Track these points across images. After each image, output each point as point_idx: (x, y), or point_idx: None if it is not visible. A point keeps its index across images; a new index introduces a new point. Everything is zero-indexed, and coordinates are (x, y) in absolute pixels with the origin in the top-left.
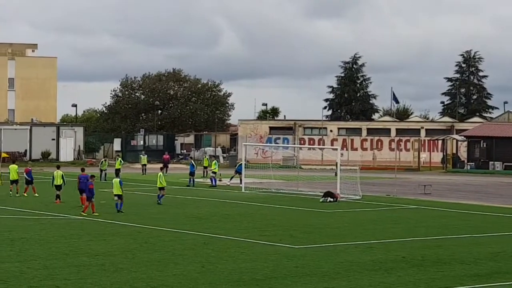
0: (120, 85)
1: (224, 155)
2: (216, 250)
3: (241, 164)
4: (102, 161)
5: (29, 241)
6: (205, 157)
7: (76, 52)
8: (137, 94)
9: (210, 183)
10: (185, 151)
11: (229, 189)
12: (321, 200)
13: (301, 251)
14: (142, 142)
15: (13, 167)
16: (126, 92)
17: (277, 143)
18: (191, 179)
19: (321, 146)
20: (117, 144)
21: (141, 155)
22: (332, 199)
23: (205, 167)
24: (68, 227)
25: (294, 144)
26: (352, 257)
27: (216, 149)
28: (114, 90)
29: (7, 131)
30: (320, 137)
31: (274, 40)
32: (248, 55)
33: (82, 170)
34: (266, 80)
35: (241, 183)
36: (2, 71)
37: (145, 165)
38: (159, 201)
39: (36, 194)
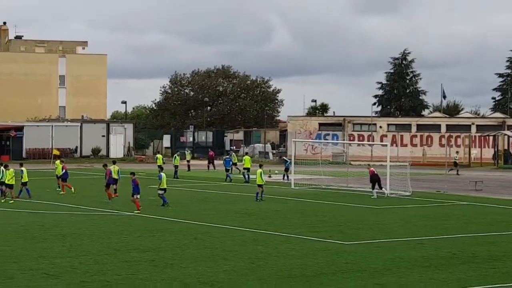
0: (169, 81)
1: (274, 151)
2: (266, 246)
3: (287, 161)
4: (175, 156)
5: (80, 236)
6: (232, 154)
7: (127, 49)
8: (186, 90)
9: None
10: (234, 147)
11: (279, 186)
12: (374, 197)
13: (351, 247)
14: (191, 139)
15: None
16: (176, 89)
17: (326, 139)
18: (228, 175)
19: (370, 142)
20: (166, 141)
21: (185, 151)
22: (380, 189)
23: (234, 164)
24: (119, 223)
25: (344, 140)
26: (403, 254)
27: (266, 145)
28: (163, 87)
29: (58, 128)
30: (370, 133)
31: (325, 37)
32: (298, 51)
33: (114, 162)
34: (316, 77)
35: (285, 179)
36: (53, 68)
37: (189, 161)
38: (261, 198)
39: (63, 192)
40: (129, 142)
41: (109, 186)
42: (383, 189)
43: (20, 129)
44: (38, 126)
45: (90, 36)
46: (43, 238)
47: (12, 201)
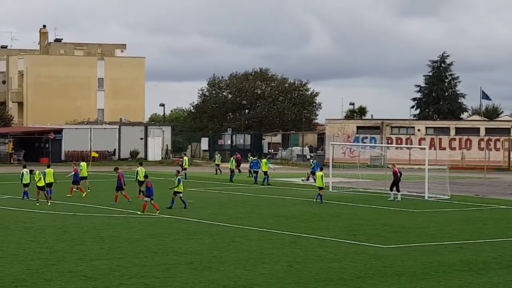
0: (207, 84)
1: (312, 154)
2: (303, 249)
3: (314, 163)
4: (232, 160)
5: (118, 239)
6: (253, 156)
7: (166, 52)
8: (224, 93)
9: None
10: (272, 150)
11: (316, 189)
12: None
13: (389, 251)
14: (229, 142)
15: (84, 164)
16: (214, 92)
17: (364, 143)
18: (255, 176)
19: (408, 146)
20: (204, 144)
21: (215, 155)
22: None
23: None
24: (156, 225)
25: (382, 143)
26: (441, 257)
27: (304, 148)
28: (201, 90)
29: (96, 130)
30: (408, 136)
31: (364, 39)
32: (337, 54)
33: (140, 164)
34: (354, 80)
35: (309, 181)
36: (92, 71)
37: (218, 165)
38: (319, 201)
39: (69, 195)
40: (167, 145)
41: (120, 189)
42: (399, 194)
43: (59, 131)
44: (76, 128)
45: (129, 39)
46: (82, 241)
47: (49, 204)
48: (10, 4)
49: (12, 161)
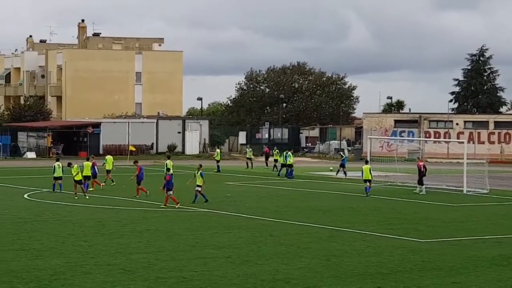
0: (245, 78)
1: (349, 148)
2: (341, 243)
3: (344, 157)
4: (283, 153)
5: (156, 232)
6: (274, 150)
7: (204, 46)
8: (261, 87)
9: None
10: (310, 144)
11: (353, 182)
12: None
13: (427, 245)
14: (267, 135)
15: (109, 158)
16: (251, 85)
17: (402, 136)
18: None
19: (446, 140)
20: (242, 137)
21: (246, 149)
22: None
23: (275, 160)
24: (194, 219)
25: (420, 137)
26: (480, 252)
27: (341, 142)
28: (239, 83)
29: (134, 124)
30: (446, 130)
31: (402, 33)
32: (375, 48)
33: (168, 157)
34: (392, 73)
35: (340, 174)
36: (129, 65)
37: (250, 158)
38: (367, 194)
39: (91, 188)
40: (204, 139)
41: (140, 182)
42: (423, 187)
43: (97, 125)
44: (114, 122)
45: (167, 33)
46: (120, 234)
47: (87, 197)
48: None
49: (51, 155)
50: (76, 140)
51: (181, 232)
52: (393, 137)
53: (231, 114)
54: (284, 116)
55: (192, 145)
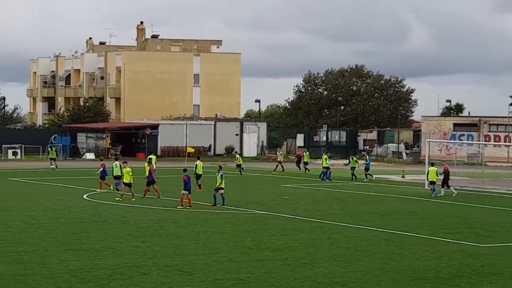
0: (303, 81)
1: (407, 151)
2: (399, 247)
3: (368, 160)
4: (326, 158)
5: (214, 234)
6: (306, 152)
7: (263, 48)
8: (319, 89)
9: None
10: (367, 147)
11: (411, 186)
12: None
13: (486, 250)
14: (324, 138)
15: (199, 163)
16: (309, 88)
17: (461, 140)
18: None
19: (507, 143)
20: (300, 140)
21: (277, 152)
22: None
23: (306, 163)
24: (251, 221)
25: (479, 141)
26: None
27: (399, 145)
28: (297, 86)
29: (192, 126)
30: (506, 134)
31: (463, 36)
32: (435, 50)
33: (198, 158)
34: (451, 76)
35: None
36: (188, 67)
37: (281, 161)
38: (434, 194)
39: (100, 190)
40: (262, 141)
41: (151, 183)
42: (451, 188)
43: (155, 127)
44: (172, 124)
45: (226, 35)
46: (178, 235)
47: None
48: (109, 2)
49: (109, 156)
50: (134, 141)
51: (239, 234)
52: (452, 141)
53: (289, 117)
54: (341, 118)
55: (250, 147)
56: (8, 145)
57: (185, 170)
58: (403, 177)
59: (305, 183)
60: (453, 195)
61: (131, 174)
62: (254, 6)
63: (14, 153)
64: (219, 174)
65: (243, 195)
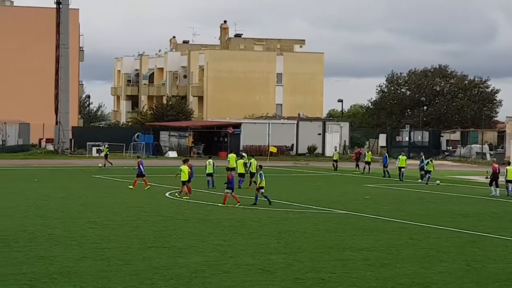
0: (386, 80)
1: (491, 152)
2: (482, 248)
3: (422, 160)
4: (400, 158)
5: (295, 233)
6: (368, 151)
7: (348, 47)
8: (402, 89)
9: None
10: (450, 147)
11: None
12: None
13: None
14: (407, 138)
15: (232, 156)
16: (392, 88)
17: None
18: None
19: None
20: (382, 140)
21: (334, 151)
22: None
23: (368, 163)
24: (333, 221)
25: None
26: None
27: (483, 146)
28: (379, 86)
29: (275, 125)
30: None
31: None
32: None
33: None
34: None
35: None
36: (271, 66)
37: (336, 161)
38: (508, 194)
39: (148, 187)
40: (344, 141)
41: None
42: (498, 189)
43: (237, 126)
44: (255, 123)
45: (309, 34)
46: (260, 234)
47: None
48: (193, 1)
49: (192, 154)
50: (216, 140)
51: (320, 234)
52: None
53: (371, 117)
54: (424, 119)
55: (332, 147)
56: (92, 143)
57: (229, 169)
58: (487, 178)
59: (388, 183)
60: (493, 194)
61: (189, 171)
62: (340, 5)
63: (98, 151)
64: (258, 174)
65: (324, 194)
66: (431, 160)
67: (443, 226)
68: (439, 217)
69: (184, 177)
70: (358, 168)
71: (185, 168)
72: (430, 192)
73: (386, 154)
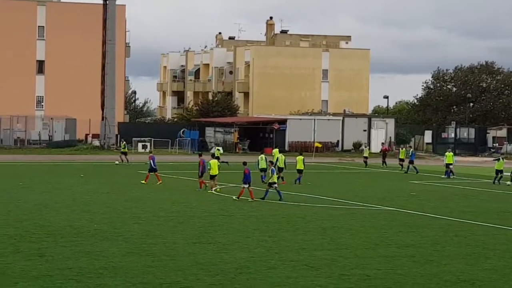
0: (431, 77)
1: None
2: None
3: (413, 153)
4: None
5: (340, 230)
6: (402, 148)
7: (395, 44)
8: (448, 86)
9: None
10: (497, 144)
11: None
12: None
13: None
14: (453, 135)
15: (276, 151)
16: (438, 84)
17: None
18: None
19: None
20: (428, 137)
21: (363, 147)
22: None
23: (401, 160)
24: (378, 217)
25: None
26: None
27: None
28: (425, 82)
29: (320, 121)
30: None
31: None
32: None
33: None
34: None
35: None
36: (316, 62)
37: (367, 157)
38: None
39: (160, 182)
40: (390, 137)
41: (203, 175)
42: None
43: (283, 122)
44: (300, 119)
45: (356, 30)
46: (305, 231)
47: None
48: None
49: (237, 150)
50: (262, 136)
51: (365, 230)
52: None
53: (417, 113)
54: (470, 115)
55: (378, 143)
56: (138, 139)
57: (245, 163)
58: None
59: (434, 179)
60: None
61: (218, 165)
62: (386, 2)
63: (144, 146)
64: (270, 169)
65: (370, 191)
66: (502, 159)
67: (489, 223)
68: (485, 214)
69: (214, 171)
70: (385, 165)
71: (213, 162)
72: (477, 189)
73: (413, 151)
